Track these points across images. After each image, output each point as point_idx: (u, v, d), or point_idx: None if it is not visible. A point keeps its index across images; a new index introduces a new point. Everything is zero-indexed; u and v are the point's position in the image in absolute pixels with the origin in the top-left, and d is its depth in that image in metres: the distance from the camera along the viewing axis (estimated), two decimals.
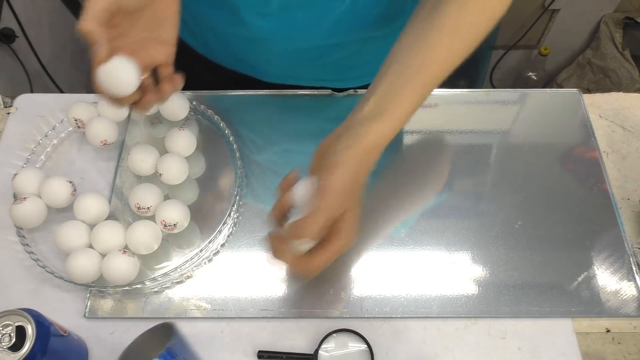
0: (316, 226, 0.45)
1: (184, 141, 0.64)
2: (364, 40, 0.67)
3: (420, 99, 0.48)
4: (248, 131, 0.69)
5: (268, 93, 0.73)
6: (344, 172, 0.45)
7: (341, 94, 0.72)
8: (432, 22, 0.48)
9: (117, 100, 0.50)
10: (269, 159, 0.68)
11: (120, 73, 0.47)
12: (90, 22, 0.44)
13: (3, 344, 0.44)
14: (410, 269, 0.60)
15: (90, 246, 0.58)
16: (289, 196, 0.49)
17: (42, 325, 0.46)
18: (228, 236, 0.62)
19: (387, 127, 0.47)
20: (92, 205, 0.60)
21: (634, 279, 0.58)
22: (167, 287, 0.59)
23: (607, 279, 0.58)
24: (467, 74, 1.58)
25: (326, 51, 0.68)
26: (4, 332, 0.45)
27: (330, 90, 0.72)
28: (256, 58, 0.71)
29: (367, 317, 0.57)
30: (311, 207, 0.45)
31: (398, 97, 0.47)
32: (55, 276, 0.57)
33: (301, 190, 0.48)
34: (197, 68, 0.71)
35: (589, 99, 0.72)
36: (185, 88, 0.55)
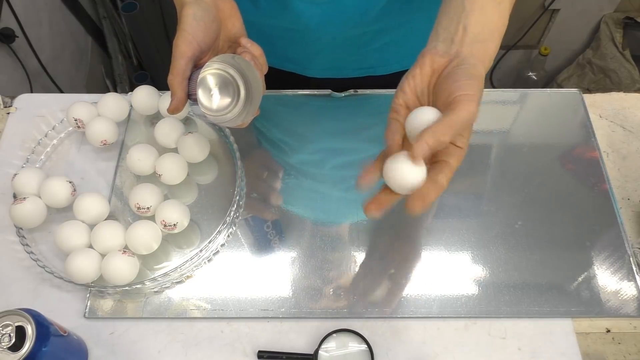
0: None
1: (196, 145, 0.63)
2: (411, 21, 0.68)
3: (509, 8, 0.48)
4: (246, 131, 0.69)
5: (267, 93, 0.72)
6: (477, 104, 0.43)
7: (341, 94, 0.72)
8: None
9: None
10: (265, 156, 0.69)
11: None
12: (174, 77, 0.49)
13: (3, 344, 0.44)
14: (411, 269, 0.60)
15: (90, 246, 0.58)
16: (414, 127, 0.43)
17: (42, 325, 0.46)
18: (228, 236, 0.62)
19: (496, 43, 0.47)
20: (92, 205, 0.60)
21: (634, 279, 0.58)
22: (167, 287, 0.59)
23: (607, 279, 0.58)
24: None
25: (374, 36, 0.68)
26: (4, 332, 0.44)
27: (330, 90, 0.72)
28: (302, 51, 0.71)
29: (367, 317, 0.57)
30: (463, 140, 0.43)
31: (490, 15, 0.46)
32: (55, 276, 0.57)
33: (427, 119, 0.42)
34: None
35: (589, 99, 0.72)
36: None
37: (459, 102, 0.41)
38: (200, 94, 0.49)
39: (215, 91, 0.49)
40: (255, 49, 0.53)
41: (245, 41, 0.53)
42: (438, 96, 0.44)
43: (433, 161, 0.43)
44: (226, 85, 0.50)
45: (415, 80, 0.45)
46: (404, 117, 0.45)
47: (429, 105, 0.45)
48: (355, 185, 0.45)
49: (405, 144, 0.45)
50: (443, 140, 0.40)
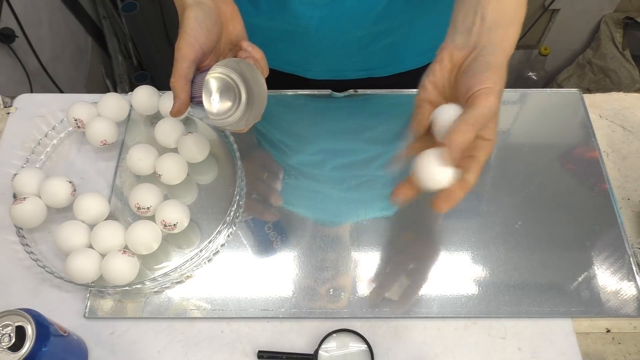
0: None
1: (195, 146, 0.64)
2: (412, 22, 0.67)
3: None
4: (246, 131, 0.69)
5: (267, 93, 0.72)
6: (499, 97, 0.43)
7: (341, 94, 0.72)
8: None
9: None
10: (265, 157, 0.69)
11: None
12: (176, 79, 0.49)
13: (3, 344, 0.44)
14: (411, 269, 0.60)
15: (90, 246, 0.58)
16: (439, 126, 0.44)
17: (42, 325, 0.46)
18: (228, 236, 0.62)
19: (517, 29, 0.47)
20: (92, 205, 0.60)
21: (634, 279, 0.58)
22: (167, 287, 0.59)
23: (607, 279, 0.58)
24: None
25: (375, 38, 0.68)
26: (4, 332, 0.44)
27: (330, 91, 0.72)
28: (302, 53, 0.71)
29: (367, 317, 0.57)
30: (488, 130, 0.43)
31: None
32: (55, 276, 0.57)
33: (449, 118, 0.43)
34: None
35: (589, 99, 0.72)
36: None
37: (477, 97, 0.41)
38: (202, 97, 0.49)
39: (215, 95, 0.50)
40: (257, 52, 0.53)
41: (247, 44, 0.53)
42: (458, 91, 0.44)
43: (461, 156, 0.43)
44: (228, 89, 0.50)
45: (436, 76, 0.46)
46: (427, 111, 0.46)
47: (451, 100, 0.45)
48: (390, 200, 0.46)
49: (429, 139, 0.45)
50: (467, 139, 0.40)
